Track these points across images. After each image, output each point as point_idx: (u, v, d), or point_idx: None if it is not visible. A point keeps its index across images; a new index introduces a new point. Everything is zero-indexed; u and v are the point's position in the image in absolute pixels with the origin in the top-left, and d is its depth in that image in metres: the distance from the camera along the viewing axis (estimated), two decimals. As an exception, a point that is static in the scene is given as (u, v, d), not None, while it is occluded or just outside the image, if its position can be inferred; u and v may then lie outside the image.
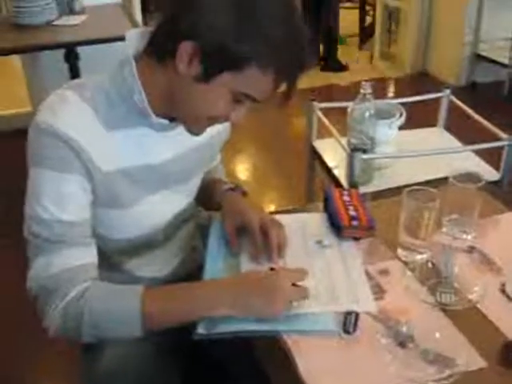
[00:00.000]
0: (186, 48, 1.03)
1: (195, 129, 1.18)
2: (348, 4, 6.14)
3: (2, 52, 2.94)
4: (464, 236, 1.33)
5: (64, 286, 1.08)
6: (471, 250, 1.30)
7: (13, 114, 4.13)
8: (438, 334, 1.06)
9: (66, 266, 1.08)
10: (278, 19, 1.02)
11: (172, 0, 1.07)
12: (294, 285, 1.12)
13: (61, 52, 3.07)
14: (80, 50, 3.07)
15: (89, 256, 1.13)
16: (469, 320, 1.11)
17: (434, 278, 1.21)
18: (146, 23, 3.56)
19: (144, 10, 3.70)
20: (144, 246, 1.31)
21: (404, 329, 1.07)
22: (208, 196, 1.44)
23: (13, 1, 3.06)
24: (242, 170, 3.79)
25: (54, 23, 3.13)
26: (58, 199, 1.08)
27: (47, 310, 1.09)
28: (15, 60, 4.13)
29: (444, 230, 1.34)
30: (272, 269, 1.18)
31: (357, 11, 6.00)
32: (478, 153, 2.12)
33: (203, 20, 1.01)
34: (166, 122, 1.17)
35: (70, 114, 1.09)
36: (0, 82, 4.70)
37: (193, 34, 1.02)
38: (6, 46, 2.93)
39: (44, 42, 2.97)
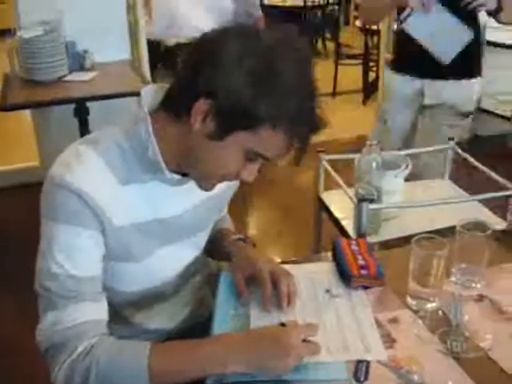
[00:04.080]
0: (200, 106, 1.05)
1: (205, 184, 1.19)
2: (350, 60, 6.26)
3: (14, 107, 3.00)
4: (473, 284, 1.33)
5: (72, 341, 1.07)
6: (481, 298, 1.30)
7: (20, 169, 4.17)
8: (450, 383, 1.06)
9: (76, 322, 1.08)
10: (292, 82, 1.04)
11: (191, 58, 1.10)
12: (304, 340, 1.11)
13: (71, 107, 3.12)
14: (90, 105, 3.13)
15: (98, 312, 1.13)
16: (480, 368, 1.10)
17: (444, 326, 1.21)
18: (154, 79, 3.63)
19: (152, 66, 3.77)
20: (153, 298, 1.31)
21: (415, 377, 1.07)
22: (216, 246, 1.45)
23: (24, 57, 3.14)
24: (250, 222, 3.81)
25: (65, 79, 3.20)
26: (71, 254, 1.09)
27: (55, 365, 1.08)
28: (25, 114, 4.20)
29: (453, 278, 1.34)
30: (282, 324, 1.16)
31: (359, 67, 6.12)
32: (484, 203, 2.13)
33: (220, 80, 1.03)
34: (178, 177, 1.19)
35: (85, 168, 1.10)
36: (9, 137, 4.77)
37: (209, 93, 1.04)
38: (17, 101, 2.99)
39: (55, 97, 3.03)
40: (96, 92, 3.08)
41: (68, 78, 3.22)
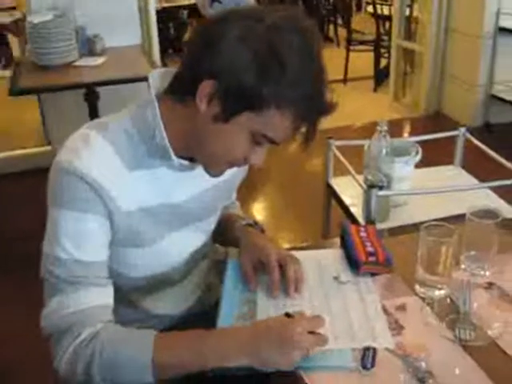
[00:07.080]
0: (206, 87, 1.04)
1: (214, 171, 1.18)
2: (362, 47, 6.21)
3: (25, 92, 3.01)
4: (482, 272, 1.32)
5: (76, 327, 1.07)
6: (490, 285, 1.29)
7: (32, 153, 4.19)
8: (457, 370, 1.05)
9: (81, 307, 1.08)
10: (299, 64, 1.02)
11: (196, 40, 1.09)
12: (311, 332, 1.08)
13: (81, 92, 3.13)
14: (100, 89, 3.13)
15: (104, 297, 1.13)
16: (488, 356, 1.10)
17: (452, 313, 1.20)
18: (164, 64, 3.63)
19: (162, 51, 3.77)
20: (161, 283, 1.31)
21: (423, 364, 1.06)
22: (225, 231, 1.44)
23: (34, 42, 3.15)
24: (258, 208, 3.81)
25: (75, 64, 3.21)
26: (77, 240, 1.08)
27: (58, 350, 1.08)
28: (35, 99, 4.21)
29: (462, 266, 1.34)
30: (288, 315, 1.13)
31: (371, 54, 6.08)
32: (495, 190, 2.11)
33: (224, 60, 1.02)
34: (186, 162, 1.18)
35: (92, 154, 1.09)
36: (20, 122, 4.78)
37: (213, 74, 1.03)
38: (28, 86, 3.00)
39: (65, 82, 3.04)
40: (106, 77, 3.08)
41: (78, 62, 3.24)
